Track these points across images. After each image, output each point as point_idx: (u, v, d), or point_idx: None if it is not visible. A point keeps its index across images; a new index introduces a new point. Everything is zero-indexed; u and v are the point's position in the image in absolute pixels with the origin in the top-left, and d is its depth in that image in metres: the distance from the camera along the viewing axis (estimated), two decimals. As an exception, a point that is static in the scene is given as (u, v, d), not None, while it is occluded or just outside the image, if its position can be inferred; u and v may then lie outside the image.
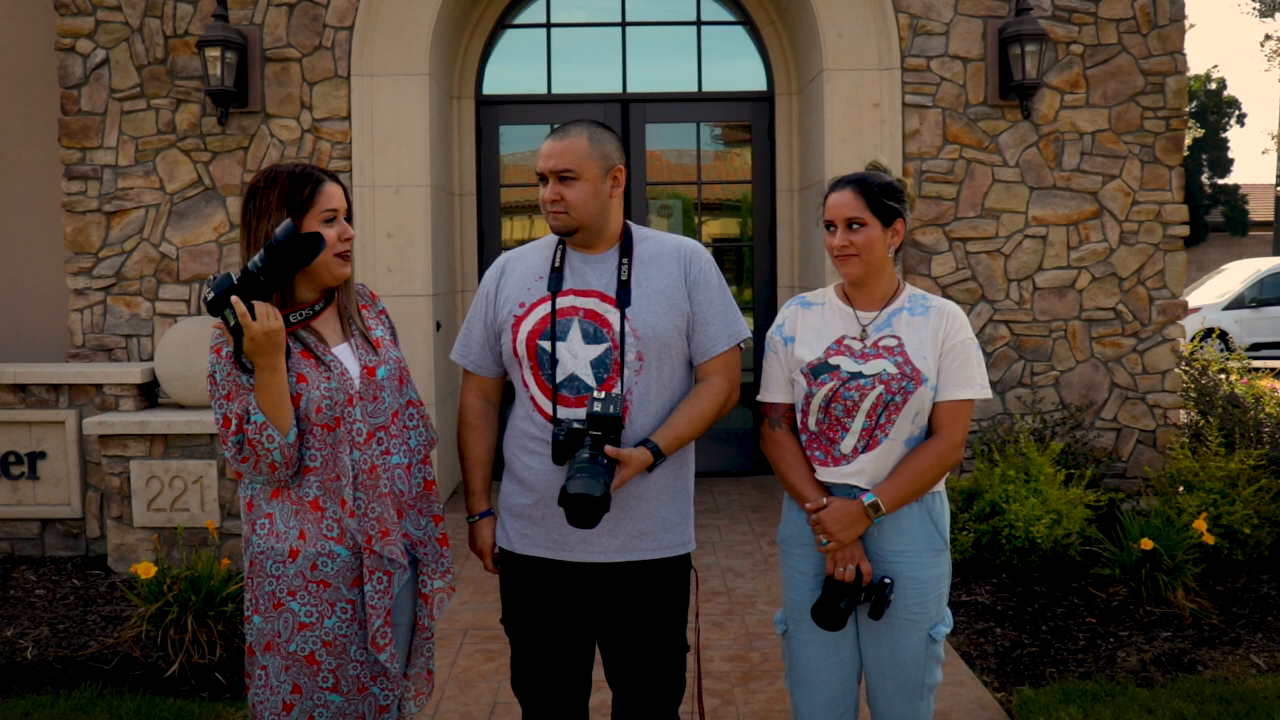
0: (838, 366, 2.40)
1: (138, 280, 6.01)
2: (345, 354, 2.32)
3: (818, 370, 2.41)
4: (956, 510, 5.01)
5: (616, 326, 2.35)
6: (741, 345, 2.48)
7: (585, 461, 2.17)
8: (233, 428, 2.20)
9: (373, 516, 2.26)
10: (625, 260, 2.40)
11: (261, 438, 2.16)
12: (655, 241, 2.47)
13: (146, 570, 4.05)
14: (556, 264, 2.42)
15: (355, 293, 2.42)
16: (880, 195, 2.39)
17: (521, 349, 2.38)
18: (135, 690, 3.78)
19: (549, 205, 2.38)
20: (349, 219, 2.32)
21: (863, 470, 2.38)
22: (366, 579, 2.26)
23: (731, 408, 2.47)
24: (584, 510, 2.14)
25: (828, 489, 2.42)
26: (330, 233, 2.25)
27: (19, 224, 6.49)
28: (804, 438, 2.46)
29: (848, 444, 2.38)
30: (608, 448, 2.22)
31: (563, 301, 2.38)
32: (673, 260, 2.44)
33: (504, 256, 2.55)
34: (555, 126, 2.45)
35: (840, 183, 2.45)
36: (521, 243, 2.67)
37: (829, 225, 2.42)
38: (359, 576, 2.28)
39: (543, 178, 2.39)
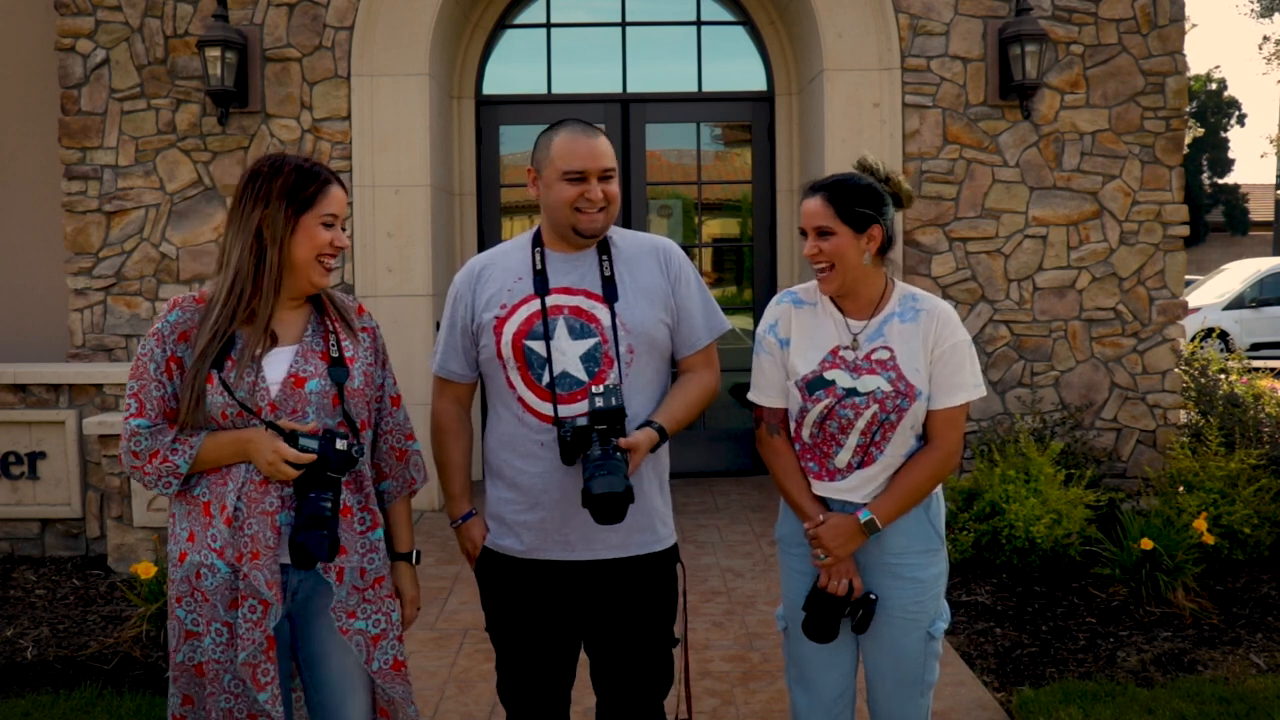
0: (833, 382, 2.36)
1: (138, 280, 6.01)
2: (280, 358, 2.18)
3: (813, 385, 2.38)
4: (956, 510, 5.01)
5: (606, 321, 2.35)
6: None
7: (600, 458, 2.15)
8: (134, 409, 2.13)
9: (248, 533, 2.09)
10: (605, 257, 2.40)
11: (167, 461, 2.10)
12: (630, 239, 2.48)
13: (146, 570, 4.06)
14: (539, 265, 2.39)
15: (340, 304, 2.31)
16: (852, 203, 2.31)
17: (508, 350, 2.36)
18: (135, 690, 3.78)
19: (593, 205, 2.32)
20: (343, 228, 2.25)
21: (858, 486, 2.37)
22: (240, 603, 2.07)
23: (714, 398, 2.50)
24: (611, 507, 2.12)
25: (824, 502, 2.42)
26: (326, 236, 2.18)
27: (19, 224, 6.49)
28: (797, 447, 2.45)
29: (842, 459, 2.37)
30: (618, 439, 2.21)
31: (549, 300, 2.37)
32: (651, 257, 2.44)
33: (475, 261, 2.49)
34: (567, 124, 2.36)
35: (812, 189, 2.37)
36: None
37: (802, 232, 2.38)
38: (236, 600, 2.09)
39: (577, 177, 2.31)
